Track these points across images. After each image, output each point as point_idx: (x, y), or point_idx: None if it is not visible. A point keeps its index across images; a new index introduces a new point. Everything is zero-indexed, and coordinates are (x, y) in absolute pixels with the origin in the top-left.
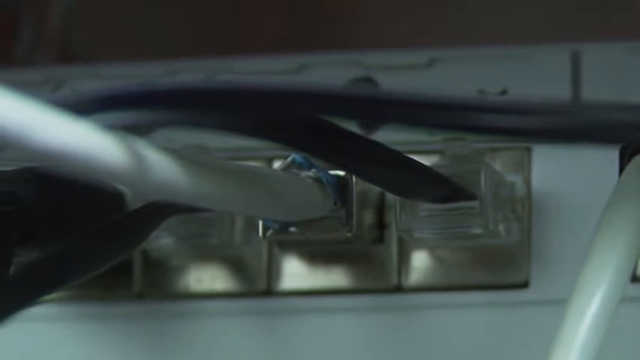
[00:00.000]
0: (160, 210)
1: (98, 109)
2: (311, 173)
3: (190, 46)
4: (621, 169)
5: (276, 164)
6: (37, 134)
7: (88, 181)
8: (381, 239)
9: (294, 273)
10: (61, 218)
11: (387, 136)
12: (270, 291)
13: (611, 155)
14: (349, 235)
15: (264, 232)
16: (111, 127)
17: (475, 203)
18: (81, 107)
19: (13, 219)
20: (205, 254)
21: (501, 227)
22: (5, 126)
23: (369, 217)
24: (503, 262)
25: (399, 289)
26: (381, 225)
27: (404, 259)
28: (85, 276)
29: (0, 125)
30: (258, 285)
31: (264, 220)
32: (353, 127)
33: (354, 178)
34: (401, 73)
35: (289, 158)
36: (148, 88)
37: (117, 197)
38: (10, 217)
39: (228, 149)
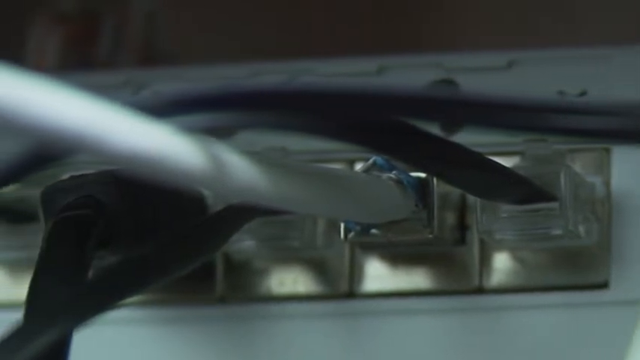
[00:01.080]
0: (240, 213)
1: (178, 112)
2: (392, 175)
3: (271, 48)
4: None
5: (358, 166)
6: (113, 137)
7: (168, 183)
8: (462, 241)
9: (376, 275)
10: (142, 221)
11: (468, 137)
12: (352, 293)
13: None
14: (430, 236)
15: (346, 234)
16: (190, 130)
17: (555, 204)
18: (160, 110)
19: (92, 223)
20: (287, 257)
21: (581, 228)
22: (82, 129)
23: (450, 218)
24: (583, 263)
25: (480, 290)
26: (462, 226)
27: (485, 260)
28: (165, 279)
29: (76, 128)
30: (340, 287)
31: (345, 222)
32: (434, 128)
33: (434, 179)
34: (481, 74)
35: (370, 160)
36: (229, 90)
37: (198, 200)
38: (89, 221)
39: (309, 152)
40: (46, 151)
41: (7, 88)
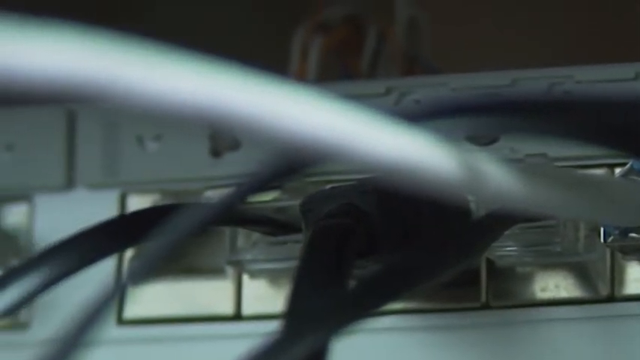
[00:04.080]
0: (501, 219)
1: (438, 120)
2: None
3: (531, 56)
4: None
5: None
6: (370, 144)
7: (425, 191)
8: None
9: (636, 278)
10: (402, 229)
11: None
12: (613, 296)
13: None
14: None
15: (606, 238)
16: (450, 137)
17: None
18: (420, 118)
19: (352, 231)
20: (549, 262)
21: None
22: (339, 136)
23: None
24: None
25: None
26: None
27: None
28: (426, 286)
29: (333, 136)
30: (601, 291)
31: (605, 226)
32: None
33: None
34: None
35: (628, 165)
36: (490, 98)
37: (461, 206)
38: (349, 229)
39: (570, 158)
40: (299, 158)
41: (264, 97)
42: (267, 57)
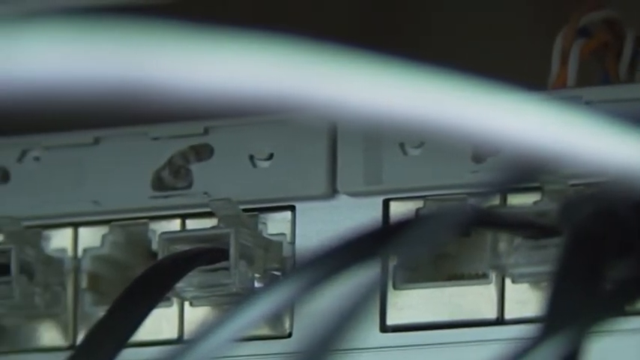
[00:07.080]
0: None
1: None
2: None
3: None
4: None
5: None
6: (600, 150)
7: None
8: None
9: None
10: None
11: None
12: None
13: None
14: None
15: None
16: None
17: None
18: None
19: (608, 234)
20: None
21: None
22: (572, 143)
23: None
24: None
25: None
26: None
27: None
28: None
29: (569, 143)
30: None
31: None
32: None
33: None
34: None
35: None
36: None
37: None
38: (605, 233)
39: None
40: (539, 164)
41: (511, 110)
42: (534, 60)
